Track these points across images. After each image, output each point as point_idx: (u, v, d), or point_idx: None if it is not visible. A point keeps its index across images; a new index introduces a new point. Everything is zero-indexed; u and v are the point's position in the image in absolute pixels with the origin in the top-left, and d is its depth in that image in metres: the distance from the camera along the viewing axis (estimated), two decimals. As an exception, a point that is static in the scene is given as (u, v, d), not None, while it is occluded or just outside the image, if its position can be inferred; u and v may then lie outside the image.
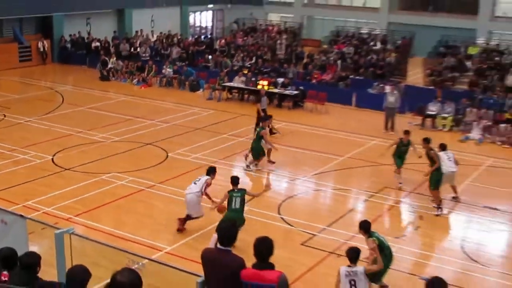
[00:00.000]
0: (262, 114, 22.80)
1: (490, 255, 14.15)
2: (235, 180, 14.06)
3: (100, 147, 21.18)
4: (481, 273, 13.16)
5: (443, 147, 17.12)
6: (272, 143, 19.75)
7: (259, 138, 19.18)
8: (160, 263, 8.43)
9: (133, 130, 23.35)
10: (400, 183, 17.99)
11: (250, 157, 19.40)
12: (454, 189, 17.12)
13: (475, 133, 24.11)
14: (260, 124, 20.49)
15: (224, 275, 6.62)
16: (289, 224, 15.15)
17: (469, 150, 22.38)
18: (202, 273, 6.84)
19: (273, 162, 19.83)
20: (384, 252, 11.04)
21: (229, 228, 6.93)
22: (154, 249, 13.34)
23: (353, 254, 10.10)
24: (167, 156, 20.29)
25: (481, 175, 19.62)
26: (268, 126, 20.81)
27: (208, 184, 14.49)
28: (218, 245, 6.77)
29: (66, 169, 18.68)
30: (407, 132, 18.35)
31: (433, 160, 16.50)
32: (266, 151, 19.52)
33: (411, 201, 17.25)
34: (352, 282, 9.84)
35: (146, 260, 8.20)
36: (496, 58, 33.84)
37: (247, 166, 19.39)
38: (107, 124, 24.05)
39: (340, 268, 10.04)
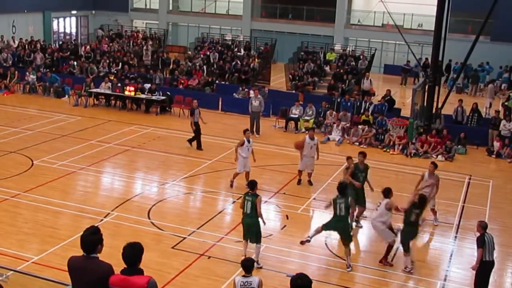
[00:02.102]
0: (194, 127, 22.45)
1: (352, 250, 14.96)
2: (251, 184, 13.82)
3: (-41, 157, 20.32)
4: (344, 267, 13.79)
5: None
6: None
7: None
8: (26, 274, 8.37)
9: (-5, 139, 22.60)
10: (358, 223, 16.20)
11: None
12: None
13: (335, 135, 25.36)
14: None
15: (91, 282, 6.55)
16: (159, 228, 15.28)
17: (330, 150, 23.49)
18: (70, 281, 6.81)
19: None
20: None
21: (89, 235, 6.64)
22: (20, 260, 13.02)
23: (248, 265, 10.10)
24: (33, 164, 19.79)
25: (341, 174, 20.55)
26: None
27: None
28: (84, 253, 6.63)
29: None
30: (362, 154, 16.58)
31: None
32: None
33: (277, 201, 17.86)
34: None
35: (11, 272, 8.10)
36: (352, 63, 35.61)
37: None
38: (-33, 133, 23.09)
39: (235, 278, 10.11)
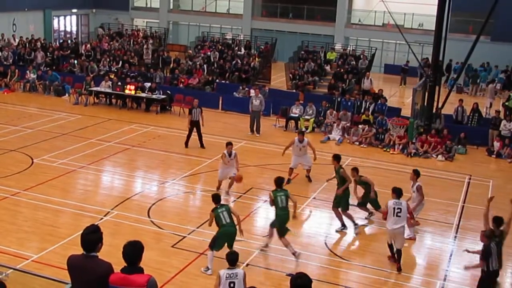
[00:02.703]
0: (189, 126, 22.34)
1: (351, 250, 15.01)
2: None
3: (-41, 155, 20.31)
4: (343, 267, 13.86)
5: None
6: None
7: None
8: (26, 272, 8.37)
9: (-5, 137, 22.61)
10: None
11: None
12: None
13: (335, 134, 25.35)
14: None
15: (91, 281, 6.57)
16: (159, 227, 15.28)
17: (330, 150, 23.42)
18: (69, 280, 6.84)
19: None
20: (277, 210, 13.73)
21: (89, 233, 6.67)
22: (20, 258, 13.03)
23: (232, 258, 10.33)
24: (33, 162, 19.80)
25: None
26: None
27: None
28: (84, 252, 6.66)
29: None
30: (336, 158, 16.08)
31: (344, 179, 15.73)
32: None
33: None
34: (232, 285, 10.05)
35: (11, 270, 8.11)
36: (353, 63, 35.63)
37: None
38: (-33, 131, 23.08)
39: (220, 272, 10.24)
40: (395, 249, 13.79)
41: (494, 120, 25.55)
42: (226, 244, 12.93)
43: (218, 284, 10.12)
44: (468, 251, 12.97)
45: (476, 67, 38.90)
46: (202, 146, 22.64)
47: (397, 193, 13.56)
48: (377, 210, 16.11)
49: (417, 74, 38.74)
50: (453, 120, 26.72)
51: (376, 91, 30.60)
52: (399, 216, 13.33)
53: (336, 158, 15.96)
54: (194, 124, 22.44)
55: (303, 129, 24.96)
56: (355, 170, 16.08)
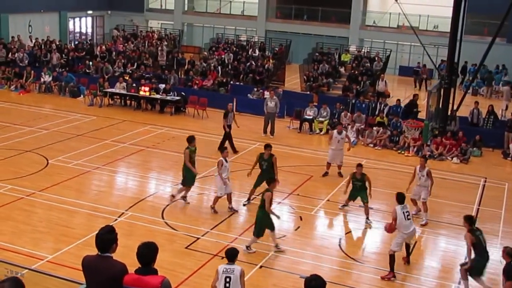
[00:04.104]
0: (227, 130, 22.19)
1: (365, 252, 14.96)
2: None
3: (-25, 156, 20.44)
4: (357, 269, 13.83)
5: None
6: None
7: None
8: (40, 272, 8.40)
9: (12, 137, 22.72)
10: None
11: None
12: None
13: (349, 136, 25.18)
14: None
15: (105, 281, 6.58)
16: (173, 228, 15.31)
17: (344, 152, 23.36)
18: (84, 280, 6.85)
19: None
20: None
21: (104, 234, 6.68)
22: (34, 258, 13.10)
23: (231, 253, 10.47)
24: (48, 163, 19.90)
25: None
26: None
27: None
28: (98, 252, 6.68)
29: None
30: (359, 166, 16.99)
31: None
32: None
33: (290, 202, 17.85)
34: (227, 279, 10.16)
35: (26, 270, 8.14)
36: (367, 65, 35.51)
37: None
38: (-17, 132, 23.21)
39: (218, 267, 10.39)
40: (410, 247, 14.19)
41: (510, 122, 25.37)
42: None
43: (216, 279, 10.26)
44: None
45: (491, 69, 38.64)
46: (234, 150, 22.43)
47: (401, 198, 13.72)
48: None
49: (431, 76, 38.64)
50: (469, 122, 26.58)
51: (390, 93, 30.47)
52: (409, 219, 13.60)
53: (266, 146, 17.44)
54: (229, 128, 22.37)
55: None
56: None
